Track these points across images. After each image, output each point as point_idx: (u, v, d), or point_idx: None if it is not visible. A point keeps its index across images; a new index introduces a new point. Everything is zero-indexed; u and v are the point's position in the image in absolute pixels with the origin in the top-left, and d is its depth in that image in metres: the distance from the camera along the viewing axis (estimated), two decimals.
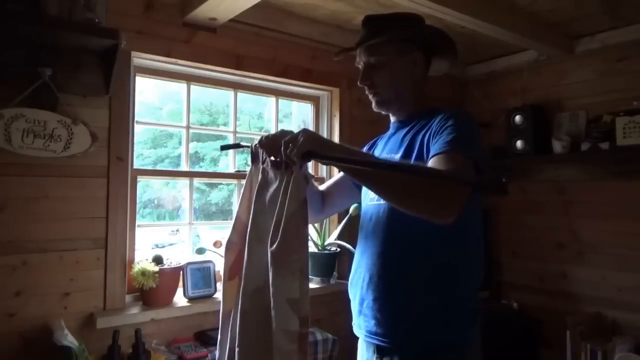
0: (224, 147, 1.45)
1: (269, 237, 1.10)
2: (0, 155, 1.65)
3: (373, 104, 1.35)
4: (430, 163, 1.10)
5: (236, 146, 1.44)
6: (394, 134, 1.37)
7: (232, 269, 1.25)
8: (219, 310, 2.24)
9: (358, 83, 1.33)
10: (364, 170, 1.05)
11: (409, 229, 1.17)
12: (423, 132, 1.22)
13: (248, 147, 1.34)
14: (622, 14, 2.32)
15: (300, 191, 1.09)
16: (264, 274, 1.11)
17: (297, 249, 1.08)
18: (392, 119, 1.40)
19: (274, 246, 1.07)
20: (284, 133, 1.17)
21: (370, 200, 1.32)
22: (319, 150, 1.05)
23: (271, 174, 1.20)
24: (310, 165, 2.04)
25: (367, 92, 1.34)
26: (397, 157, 1.25)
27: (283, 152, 1.08)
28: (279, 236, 1.07)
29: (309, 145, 1.04)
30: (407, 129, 1.30)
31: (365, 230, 1.31)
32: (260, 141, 1.23)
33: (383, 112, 1.37)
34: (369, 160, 1.04)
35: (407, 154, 1.23)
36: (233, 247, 1.26)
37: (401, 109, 1.34)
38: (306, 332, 1.06)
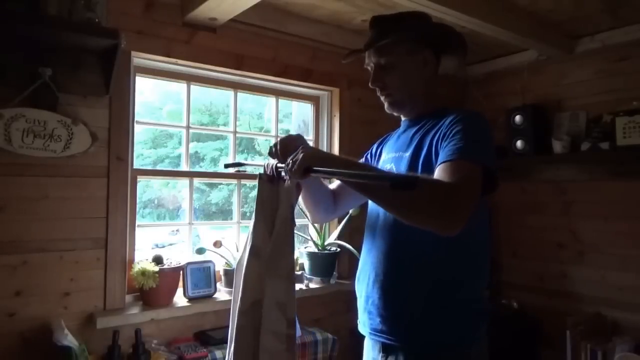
0: (228, 165, 1.48)
1: (263, 250, 1.14)
2: (0, 155, 1.65)
3: (385, 106, 1.34)
4: (437, 171, 1.10)
5: (238, 164, 1.45)
6: (404, 132, 1.36)
7: None
8: (218, 310, 2.24)
9: (369, 84, 1.32)
10: (364, 183, 1.07)
11: (415, 228, 1.16)
12: (433, 132, 1.21)
13: (251, 165, 1.36)
14: (622, 14, 2.32)
15: (290, 199, 1.13)
16: (260, 288, 1.13)
17: (285, 254, 1.12)
18: (403, 117, 1.39)
19: (268, 252, 1.11)
20: (300, 138, 1.24)
21: None
22: (317, 166, 1.06)
23: (266, 188, 1.22)
24: None
25: (378, 93, 1.33)
26: (407, 155, 1.25)
27: (287, 171, 1.11)
28: (271, 242, 1.11)
29: (307, 162, 1.06)
30: (417, 127, 1.30)
31: (372, 228, 1.31)
32: (271, 151, 1.25)
33: (395, 113, 1.37)
34: (357, 173, 1.06)
35: (415, 153, 1.23)
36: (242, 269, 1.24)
37: (413, 108, 1.34)
38: (292, 334, 1.10)
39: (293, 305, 1.11)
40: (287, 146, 1.21)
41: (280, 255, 1.11)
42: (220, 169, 2.96)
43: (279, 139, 1.26)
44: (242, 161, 1.44)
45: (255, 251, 1.16)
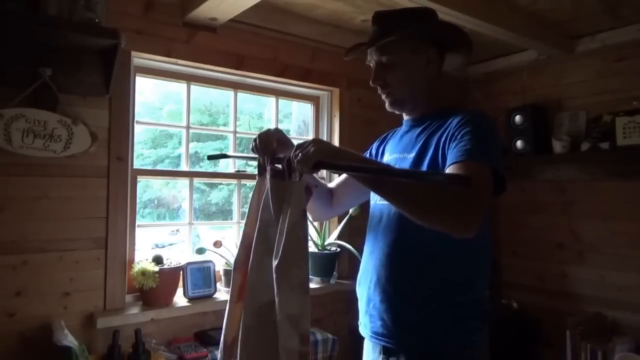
0: (211, 157, 1.44)
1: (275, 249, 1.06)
2: (0, 155, 1.65)
3: (386, 104, 1.31)
4: (448, 172, 1.08)
5: (222, 156, 1.42)
6: (407, 132, 1.33)
7: (242, 290, 1.16)
8: (219, 310, 2.24)
9: (370, 83, 1.29)
10: (378, 180, 1.04)
11: (418, 231, 1.15)
12: (439, 133, 1.19)
13: (234, 157, 1.32)
14: (622, 14, 2.32)
15: (300, 202, 1.06)
16: (272, 289, 1.05)
17: (297, 263, 1.03)
18: (405, 116, 1.36)
19: (277, 260, 1.03)
20: (278, 132, 1.22)
21: (380, 198, 1.29)
22: (329, 160, 1.02)
23: (274, 183, 1.14)
24: None
25: (379, 91, 1.30)
26: (411, 157, 1.23)
27: (293, 162, 1.05)
28: (281, 249, 1.03)
29: (319, 156, 1.01)
30: (421, 128, 1.27)
31: (375, 229, 1.29)
32: (255, 142, 1.21)
33: (397, 112, 1.34)
34: (380, 168, 1.02)
35: (421, 154, 1.21)
36: (241, 267, 1.17)
37: (415, 108, 1.31)
38: (306, 351, 1.01)
39: (306, 319, 1.01)
40: (266, 141, 1.19)
41: (291, 264, 1.02)
42: (220, 169, 2.96)
43: (257, 135, 1.22)
44: (227, 153, 1.41)
45: (270, 250, 1.07)
